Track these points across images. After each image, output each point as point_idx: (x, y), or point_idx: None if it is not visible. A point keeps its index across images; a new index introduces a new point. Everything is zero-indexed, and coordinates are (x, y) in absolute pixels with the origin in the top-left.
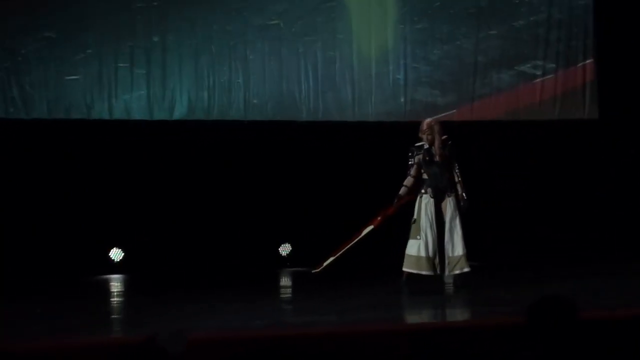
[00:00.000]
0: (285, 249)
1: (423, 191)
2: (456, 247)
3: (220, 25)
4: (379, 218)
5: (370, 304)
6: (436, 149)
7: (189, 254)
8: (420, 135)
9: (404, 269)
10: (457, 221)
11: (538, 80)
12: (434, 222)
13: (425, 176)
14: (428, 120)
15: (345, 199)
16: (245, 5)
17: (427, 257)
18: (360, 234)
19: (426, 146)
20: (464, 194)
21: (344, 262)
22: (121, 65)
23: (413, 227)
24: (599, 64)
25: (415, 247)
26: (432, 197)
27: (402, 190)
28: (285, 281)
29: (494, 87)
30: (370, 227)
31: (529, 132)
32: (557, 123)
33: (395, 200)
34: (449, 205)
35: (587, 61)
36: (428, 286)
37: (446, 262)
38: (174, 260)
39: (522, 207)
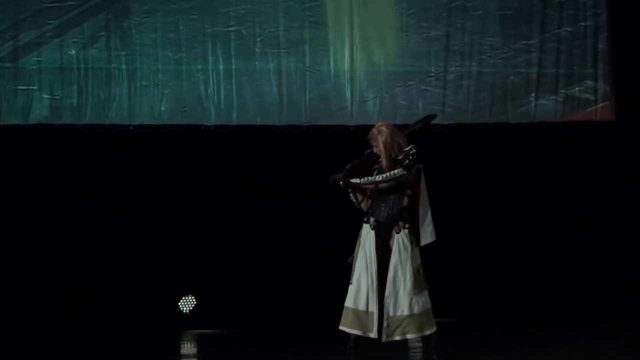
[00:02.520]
0: (187, 304)
1: (365, 219)
2: (400, 303)
3: None
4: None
5: None
6: (384, 162)
7: (50, 309)
8: (371, 144)
9: (340, 327)
10: (407, 268)
11: (592, 107)
12: (374, 263)
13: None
14: (379, 123)
15: (263, 232)
16: None
17: (359, 311)
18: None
19: (381, 159)
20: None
21: (269, 318)
22: None
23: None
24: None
25: (350, 297)
26: (372, 230)
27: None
28: (188, 348)
29: (529, 116)
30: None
31: (523, 138)
32: (562, 126)
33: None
34: (397, 244)
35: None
36: (385, 351)
37: (384, 323)
38: (28, 320)
39: (508, 241)
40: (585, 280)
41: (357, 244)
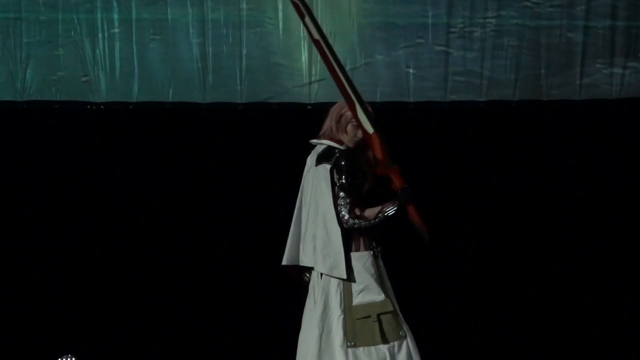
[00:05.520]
0: None
1: (374, 245)
2: None
3: None
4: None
5: None
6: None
7: None
8: (336, 128)
9: None
10: None
11: None
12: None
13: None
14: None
15: (170, 255)
16: None
17: None
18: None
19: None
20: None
21: None
22: None
23: (386, 320)
24: None
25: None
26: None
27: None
28: None
29: (593, 88)
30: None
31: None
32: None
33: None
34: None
35: None
36: None
37: None
38: None
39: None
40: None
41: (378, 282)
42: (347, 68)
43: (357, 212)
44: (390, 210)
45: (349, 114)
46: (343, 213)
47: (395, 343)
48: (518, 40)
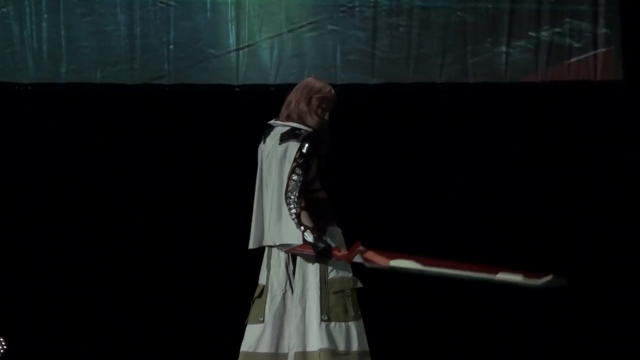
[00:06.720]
0: None
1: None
2: None
3: None
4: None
5: None
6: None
7: None
8: (307, 109)
9: None
10: None
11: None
12: None
13: (321, 194)
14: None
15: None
16: None
17: None
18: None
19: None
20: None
21: None
22: None
23: (354, 297)
24: None
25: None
26: None
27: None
28: None
29: (497, 72)
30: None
31: (490, 105)
32: (546, 88)
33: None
34: None
35: None
36: None
37: None
38: None
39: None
40: None
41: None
42: (235, 48)
43: (301, 198)
44: (308, 238)
45: (319, 96)
46: (290, 192)
47: (359, 321)
48: (409, 20)
